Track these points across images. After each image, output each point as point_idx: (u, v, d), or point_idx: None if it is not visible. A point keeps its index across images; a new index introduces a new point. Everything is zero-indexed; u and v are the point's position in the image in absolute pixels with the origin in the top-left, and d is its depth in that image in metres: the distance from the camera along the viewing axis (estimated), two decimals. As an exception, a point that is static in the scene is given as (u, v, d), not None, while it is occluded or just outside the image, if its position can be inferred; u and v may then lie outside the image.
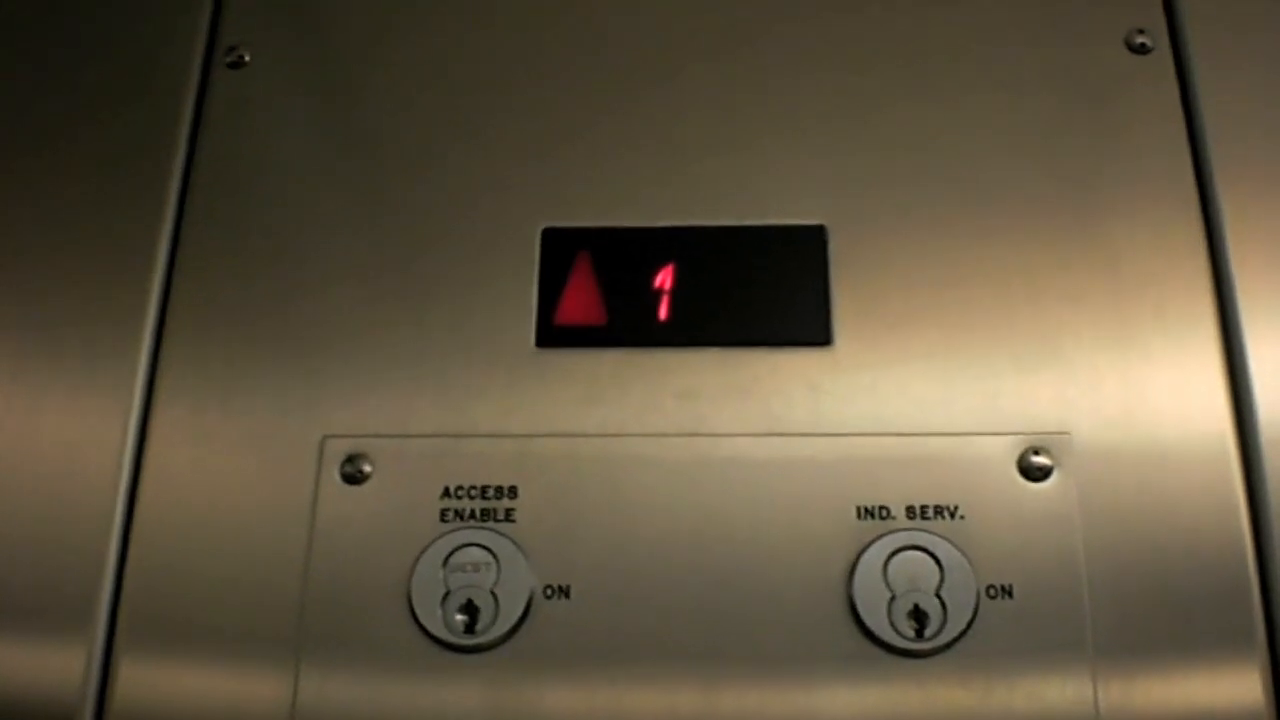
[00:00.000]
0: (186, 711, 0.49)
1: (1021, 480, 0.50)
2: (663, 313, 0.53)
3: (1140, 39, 0.58)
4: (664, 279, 0.54)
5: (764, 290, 0.54)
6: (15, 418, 0.53)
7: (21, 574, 0.50)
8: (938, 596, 0.49)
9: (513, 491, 0.51)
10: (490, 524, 0.50)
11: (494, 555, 0.49)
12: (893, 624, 0.48)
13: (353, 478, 0.51)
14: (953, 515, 0.50)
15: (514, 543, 0.50)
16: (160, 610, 0.50)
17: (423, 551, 0.50)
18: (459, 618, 0.49)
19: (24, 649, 0.49)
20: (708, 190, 0.56)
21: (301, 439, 0.52)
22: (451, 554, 0.49)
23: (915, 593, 0.49)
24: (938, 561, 0.49)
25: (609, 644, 0.49)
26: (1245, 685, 0.48)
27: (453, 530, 0.50)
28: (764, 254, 0.54)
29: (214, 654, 0.49)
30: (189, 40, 0.59)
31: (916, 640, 0.48)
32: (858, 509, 0.50)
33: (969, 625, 0.48)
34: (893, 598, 0.49)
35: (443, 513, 0.50)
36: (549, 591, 0.49)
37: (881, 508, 0.50)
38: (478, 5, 0.60)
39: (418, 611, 0.49)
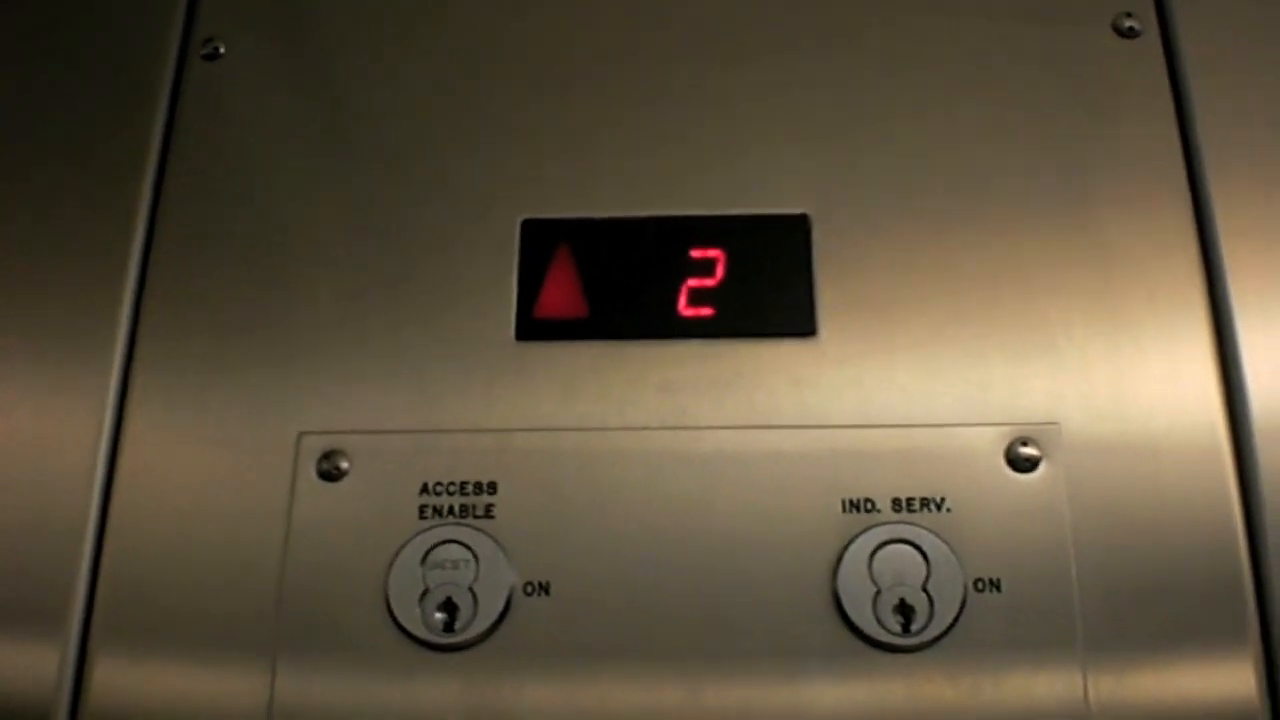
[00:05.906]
0: (162, 711, 0.48)
1: (1009, 471, 0.50)
2: (645, 304, 0.53)
3: (1129, 23, 0.57)
4: (645, 270, 0.53)
5: (747, 281, 0.53)
6: (-11, 416, 0.52)
7: (-4, 573, 0.50)
8: (924, 590, 0.48)
9: (492, 487, 0.50)
10: (469, 520, 0.49)
11: (473, 552, 0.49)
12: (878, 619, 0.48)
13: (329, 474, 0.50)
14: (939, 508, 0.49)
15: (493, 539, 0.49)
16: (135, 609, 0.49)
17: (401, 549, 0.49)
18: (438, 616, 0.48)
19: (-2, 648, 0.49)
20: (689, 180, 0.55)
21: (278, 435, 0.51)
22: (430, 551, 0.49)
23: (901, 587, 0.48)
24: (924, 555, 0.48)
25: (590, 641, 0.48)
26: (1238, 678, 0.47)
27: (431, 527, 0.49)
28: (747, 244, 0.53)
29: (190, 653, 0.49)
30: (164, 32, 0.59)
31: (903, 635, 0.47)
32: (843, 502, 0.49)
33: (956, 619, 0.47)
34: (878, 592, 0.48)
35: (421, 509, 0.50)
36: (529, 588, 0.48)
37: (867, 500, 0.49)
38: (454, -2, 0.60)
39: (396, 610, 0.48)
